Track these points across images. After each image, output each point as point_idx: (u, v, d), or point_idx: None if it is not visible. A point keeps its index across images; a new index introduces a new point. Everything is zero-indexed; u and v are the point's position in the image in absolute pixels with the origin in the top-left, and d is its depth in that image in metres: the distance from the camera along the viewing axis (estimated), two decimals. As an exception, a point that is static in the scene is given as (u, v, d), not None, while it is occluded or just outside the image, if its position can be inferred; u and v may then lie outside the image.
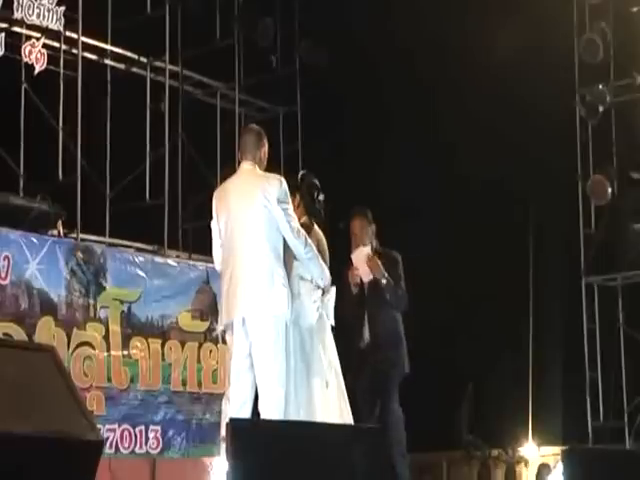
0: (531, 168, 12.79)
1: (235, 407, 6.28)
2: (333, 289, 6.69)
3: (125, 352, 9.39)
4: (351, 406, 6.73)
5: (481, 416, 12.92)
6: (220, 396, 9.84)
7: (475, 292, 12.92)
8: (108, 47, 11.39)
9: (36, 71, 10.30)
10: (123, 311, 9.44)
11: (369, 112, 13.19)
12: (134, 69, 11.77)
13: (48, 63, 10.43)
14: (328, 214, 6.96)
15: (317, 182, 6.88)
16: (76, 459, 4.20)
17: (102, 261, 9.40)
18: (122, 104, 11.33)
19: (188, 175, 11.87)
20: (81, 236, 10.16)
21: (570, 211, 12.74)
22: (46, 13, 10.39)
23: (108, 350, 9.26)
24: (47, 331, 8.83)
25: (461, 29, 12.59)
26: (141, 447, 9.35)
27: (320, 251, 6.56)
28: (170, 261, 10.26)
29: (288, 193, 6.36)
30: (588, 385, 12.34)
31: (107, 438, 8.95)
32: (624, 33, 12.31)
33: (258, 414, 6.24)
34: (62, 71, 10.66)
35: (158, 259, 10.21)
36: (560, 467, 5.79)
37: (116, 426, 9.18)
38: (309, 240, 6.41)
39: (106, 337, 9.26)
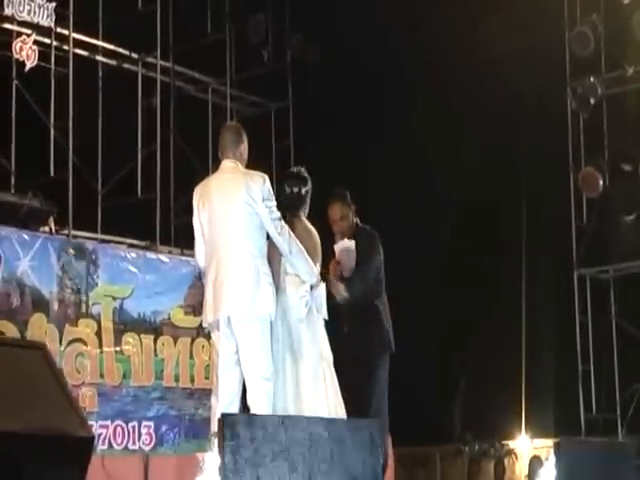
0: (523, 160, 12.82)
1: (223, 404, 6.28)
2: (323, 284, 6.67)
3: (117, 348, 9.38)
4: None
5: (474, 410, 12.96)
6: (212, 391, 9.88)
7: (468, 286, 12.95)
8: (99, 43, 11.39)
9: (27, 68, 10.29)
10: (115, 307, 9.42)
11: (360, 107, 13.20)
12: (125, 65, 11.76)
13: (39, 60, 10.42)
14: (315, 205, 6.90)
15: (300, 173, 6.80)
16: (67, 455, 4.22)
17: (94, 257, 9.38)
18: (113, 100, 11.32)
19: (180, 171, 11.87)
20: (73, 232, 10.15)
21: (562, 203, 12.77)
22: (37, 10, 10.38)
23: (100, 346, 9.24)
24: (39, 328, 8.81)
25: (452, 23, 12.61)
26: (134, 443, 9.34)
27: (309, 246, 6.54)
28: (162, 257, 10.25)
29: (271, 190, 6.33)
30: (580, 377, 12.37)
31: (100, 434, 8.94)
32: (615, 25, 12.32)
33: (247, 409, 6.26)
34: (53, 67, 10.65)
35: (150, 255, 10.20)
36: (553, 459, 5.80)
37: (109, 422, 9.17)
38: (293, 236, 6.37)
39: (98, 333, 9.25)
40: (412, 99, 12.97)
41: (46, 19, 10.49)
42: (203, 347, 10.01)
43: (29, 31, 10.38)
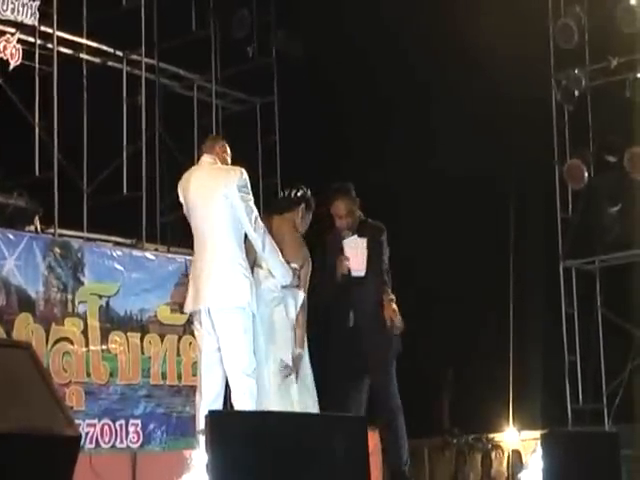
0: (508, 153, 12.84)
1: (207, 400, 6.30)
2: (301, 294, 6.60)
3: (104, 347, 9.38)
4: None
5: (461, 402, 13.00)
6: (200, 388, 9.88)
7: (454, 277, 12.97)
8: (83, 41, 11.36)
9: (11, 66, 10.26)
10: (101, 306, 9.42)
11: (346, 102, 13.21)
12: (110, 63, 11.73)
13: (23, 58, 10.40)
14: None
15: (301, 188, 6.81)
16: (54, 455, 4.21)
17: (80, 256, 9.38)
18: (98, 98, 11.31)
19: (166, 168, 11.85)
20: (58, 231, 10.14)
21: (547, 195, 12.80)
22: (20, 8, 10.36)
23: (87, 345, 9.24)
24: (25, 327, 8.81)
25: (435, 15, 12.62)
26: (122, 441, 9.35)
27: (293, 248, 6.53)
28: (148, 254, 10.26)
29: (249, 184, 6.35)
30: (567, 368, 12.41)
31: (87, 433, 8.95)
32: (599, 17, 12.34)
33: (232, 406, 6.27)
34: (37, 66, 10.62)
35: (136, 253, 10.21)
36: (540, 450, 5.82)
37: (96, 421, 9.17)
38: (267, 234, 6.37)
39: (85, 332, 9.25)
40: (396, 93, 12.98)
41: (30, 17, 10.46)
42: (190, 344, 10.01)
43: (13, 30, 10.36)
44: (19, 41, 10.38)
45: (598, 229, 12.41)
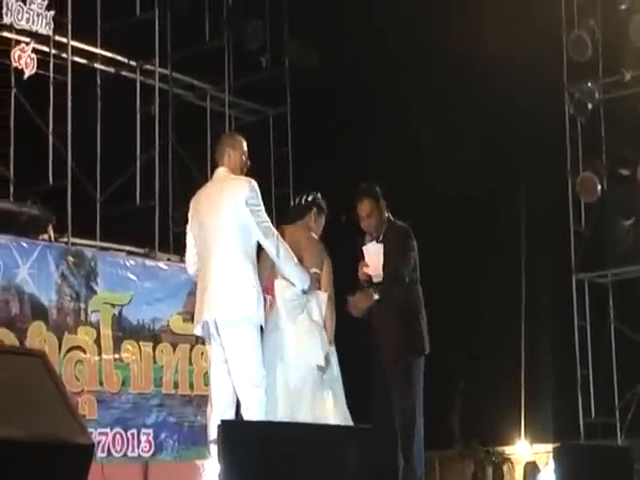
0: (521, 165, 12.84)
1: (218, 411, 6.26)
2: (323, 295, 6.59)
3: (117, 355, 9.38)
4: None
5: (473, 414, 12.96)
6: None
7: (468, 290, 12.95)
8: (98, 51, 11.39)
9: (26, 76, 10.29)
10: (114, 314, 9.43)
11: (358, 112, 13.22)
12: (124, 72, 11.76)
13: (38, 67, 10.42)
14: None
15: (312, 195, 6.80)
16: (67, 463, 4.21)
17: (93, 265, 9.39)
18: (112, 107, 11.34)
19: (179, 178, 11.87)
20: (72, 240, 10.15)
21: (560, 208, 12.78)
22: (35, 18, 10.39)
23: (99, 354, 9.24)
24: (38, 336, 8.82)
25: (450, 28, 12.63)
26: (133, 450, 9.34)
27: (310, 253, 6.52)
28: (161, 264, 10.26)
29: (258, 195, 6.27)
30: (579, 381, 12.38)
31: (99, 442, 8.95)
32: (612, 30, 12.34)
33: (241, 416, 6.25)
34: (52, 75, 10.65)
35: (149, 262, 10.21)
36: (552, 464, 5.80)
37: (108, 430, 9.17)
38: (281, 240, 6.31)
39: (97, 341, 9.25)
40: (411, 104, 12.98)
41: (44, 27, 10.50)
42: (202, 354, 9.99)
43: (27, 39, 10.39)
44: (34, 50, 10.41)
45: (611, 242, 12.39)
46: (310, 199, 6.80)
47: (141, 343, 9.58)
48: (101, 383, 9.20)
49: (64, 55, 10.80)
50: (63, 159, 10.55)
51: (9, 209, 9.60)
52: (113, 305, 9.44)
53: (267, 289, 6.55)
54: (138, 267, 9.81)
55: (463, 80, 12.85)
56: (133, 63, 11.76)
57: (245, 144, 6.59)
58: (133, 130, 11.58)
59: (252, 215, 6.23)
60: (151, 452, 9.49)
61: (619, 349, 12.42)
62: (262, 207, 6.30)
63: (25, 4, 10.29)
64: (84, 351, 9.13)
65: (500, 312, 13.12)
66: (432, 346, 7.16)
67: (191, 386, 9.93)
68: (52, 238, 9.71)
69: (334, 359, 6.64)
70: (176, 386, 9.80)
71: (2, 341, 8.41)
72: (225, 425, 4.55)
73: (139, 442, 9.40)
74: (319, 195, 6.85)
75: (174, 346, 9.87)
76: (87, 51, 11.27)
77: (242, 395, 6.23)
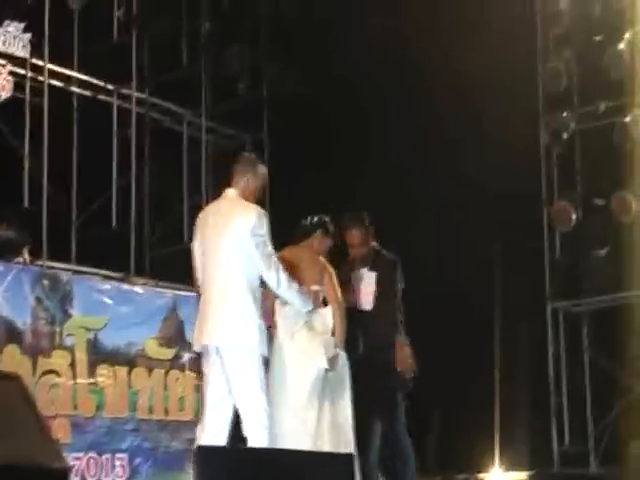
0: (495, 195, 12.88)
1: (209, 436, 6.21)
2: (326, 311, 6.58)
3: (91, 380, 9.31)
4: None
5: (446, 442, 12.96)
6: (187, 423, 9.82)
7: (441, 318, 12.96)
8: (74, 74, 11.38)
9: (2, 98, 10.26)
10: (89, 339, 9.37)
11: (338, 138, 13.25)
12: (101, 96, 11.76)
13: (14, 90, 10.40)
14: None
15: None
16: (42, 488, 4.18)
17: (68, 288, 9.34)
18: (89, 131, 11.32)
19: (155, 202, 11.86)
20: (47, 263, 10.12)
21: (535, 237, 12.83)
22: (12, 40, 10.38)
23: (74, 378, 9.18)
24: (12, 359, 8.74)
25: (425, 58, 12.69)
26: (107, 475, 9.27)
27: (312, 272, 6.51)
28: (137, 288, 10.22)
29: (264, 225, 6.23)
30: (554, 410, 12.40)
31: (73, 467, 8.86)
32: (588, 61, 12.44)
33: (240, 441, 6.18)
34: (28, 98, 10.64)
35: (125, 286, 10.17)
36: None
37: (82, 454, 9.10)
38: (282, 271, 6.29)
39: (72, 365, 9.18)
40: (391, 131, 13.03)
41: (21, 50, 10.49)
42: (177, 379, 9.97)
43: (4, 62, 10.37)
44: (10, 73, 10.39)
45: (585, 271, 12.44)
46: (316, 221, 6.83)
47: (116, 367, 9.53)
48: (75, 407, 9.13)
49: (41, 78, 10.79)
50: (39, 182, 10.52)
51: (-16, 232, 9.55)
52: (88, 329, 9.38)
53: (273, 324, 6.57)
54: (114, 291, 9.77)
55: (438, 107, 12.90)
56: (110, 87, 11.75)
57: (266, 179, 6.54)
58: (109, 154, 11.57)
59: (256, 247, 6.19)
60: (125, 477, 9.42)
61: (593, 378, 12.46)
62: (267, 238, 6.25)
63: (1, 26, 10.28)
64: (58, 375, 9.06)
65: (474, 340, 13.12)
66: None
67: (166, 411, 9.88)
68: (27, 261, 9.67)
69: (343, 362, 6.59)
70: (151, 411, 9.74)
71: (-24, 365, 8.36)
72: (201, 451, 4.55)
73: (113, 467, 9.33)
74: (327, 218, 6.87)
75: (149, 371, 9.81)
76: (64, 74, 11.26)
77: (246, 417, 6.18)
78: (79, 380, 9.20)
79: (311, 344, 6.53)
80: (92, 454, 9.17)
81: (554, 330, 12.60)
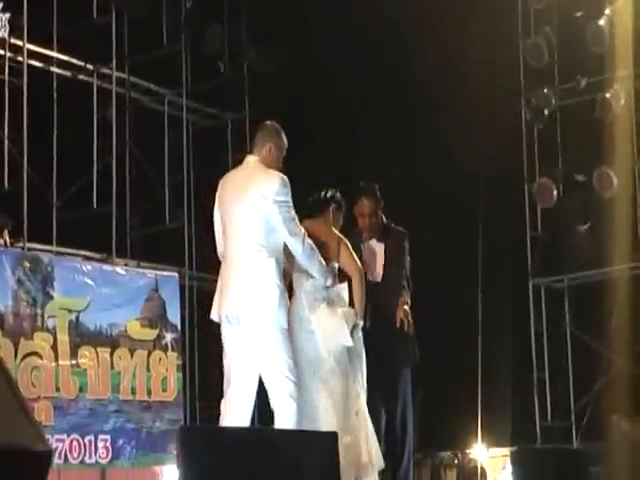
0: (477, 171, 12.88)
1: (235, 410, 6.05)
2: (342, 285, 6.48)
3: (74, 361, 9.29)
4: None
5: (431, 420, 12.99)
6: (170, 404, 9.84)
7: (422, 296, 12.97)
8: (54, 54, 11.32)
9: (-20, 79, 10.22)
10: (71, 320, 9.34)
11: (317, 118, 13.22)
12: (81, 76, 11.69)
13: (-7, 71, 10.35)
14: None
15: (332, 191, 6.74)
16: (25, 470, 4.16)
17: (49, 270, 9.30)
18: (69, 111, 11.26)
19: (136, 182, 11.82)
20: (28, 245, 10.09)
21: (517, 214, 12.85)
22: (-10, 20, 10.32)
23: (56, 360, 9.15)
24: (-7, 342, 8.73)
25: (407, 35, 12.66)
26: (90, 457, 9.25)
27: (329, 247, 6.39)
28: (118, 269, 10.19)
29: (289, 192, 6.09)
30: (536, 386, 12.46)
31: (56, 448, 8.84)
32: (568, 37, 12.43)
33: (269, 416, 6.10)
34: (7, 79, 10.57)
35: (106, 267, 10.14)
36: (509, 467, 5.84)
37: (65, 436, 9.08)
38: (306, 238, 6.16)
39: (54, 347, 9.15)
40: (373, 108, 13.01)
41: (0, 30, 10.42)
42: (160, 360, 9.96)
43: (-18, 42, 10.32)
44: (-12, 53, 10.34)
45: (567, 247, 12.48)
46: (330, 195, 6.72)
47: (98, 349, 9.50)
48: (58, 389, 9.11)
49: (20, 58, 10.72)
50: (19, 163, 10.47)
51: (-36, 214, 9.51)
52: (70, 311, 9.35)
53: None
54: (95, 272, 9.73)
55: (419, 83, 12.88)
56: (90, 67, 11.69)
57: (279, 136, 6.36)
58: (90, 134, 11.52)
59: (279, 212, 6.06)
60: (108, 458, 9.41)
61: (575, 354, 12.51)
62: (290, 204, 6.12)
63: (-20, 7, 10.22)
64: (40, 357, 9.03)
65: (456, 317, 13.16)
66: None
67: (149, 392, 9.86)
68: (8, 243, 9.63)
69: (359, 335, 6.53)
70: (134, 392, 9.72)
71: (-43, 347, 8.33)
72: (184, 431, 4.54)
73: (96, 448, 9.32)
74: (338, 192, 6.76)
75: (132, 352, 9.79)
76: (43, 54, 11.20)
77: (273, 388, 6.03)
78: (61, 362, 9.18)
79: (333, 318, 6.41)
80: (75, 436, 9.15)
81: (536, 306, 12.64)
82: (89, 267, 9.81)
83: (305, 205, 6.50)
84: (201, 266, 11.83)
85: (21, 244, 10.01)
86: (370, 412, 6.56)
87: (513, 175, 12.88)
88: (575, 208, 12.44)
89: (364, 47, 12.81)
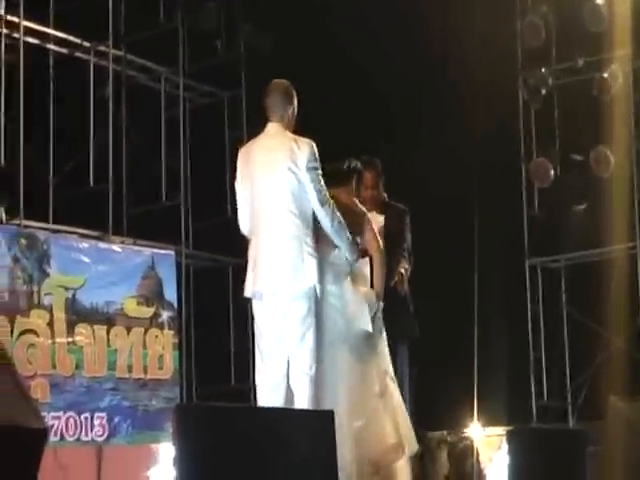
0: (474, 150, 12.86)
1: (269, 386, 6.03)
2: (364, 260, 6.35)
3: (70, 339, 9.31)
4: None
5: (426, 399, 13.01)
6: (166, 382, 9.86)
7: (419, 275, 12.98)
8: (51, 31, 11.27)
9: (-24, 56, 10.17)
10: (68, 298, 9.35)
11: (314, 96, 13.17)
12: (77, 53, 11.65)
13: (-12, 48, 10.31)
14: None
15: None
16: (21, 448, 4.17)
17: (46, 247, 9.30)
18: (65, 89, 11.23)
19: (132, 160, 11.80)
20: (24, 222, 10.06)
21: (513, 193, 12.84)
22: (-15, -3, 10.28)
23: (53, 337, 9.17)
24: (-11, 319, 8.74)
25: (403, 12, 12.62)
26: (87, 434, 9.29)
27: (352, 221, 6.25)
28: (115, 247, 10.20)
29: (318, 159, 6.00)
30: (532, 365, 12.48)
31: (52, 426, 8.88)
32: (566, 16, 12.40)
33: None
34: (3, 56, 10.53)
35: (103, 245, 10.15)
36: (505, 447, 5.86)
37: (61, 414, 9.11)
38: (336, 209, 6.06)
39: (50, 324, 9.18)
40: (365, 89, 12.98)
41: (-5, 6, 10.39)
42: (156, 337, 9.98)
43: (-22, 19, 10.28)
44: (-15, 30, 10.29)
45: (564, 227, 12.49)
46: (353, 165, 6.60)
47: (95, 326, 9.52)
48: (54, 367, 9.13)
49: (16, 35, 10.67)
50: (15, 141, 10.44)
51: (-40, 192, 9.50)
52: (66, 288, 9.36)
53: None
54: (92, 250, 9.74)
55: (416, 65, 12.84)
56: (87, 44, 11.65)
57: (295, 97, 6.26)
58: (86, 112, 11.48)
59: (312, 181, 5.96)
60: (105, 436, 9.45)
61: (571, 333, 12.53)
62: (320, 172, 6.01)
63: (-26, -17, 10.18)
64: (37, 334, 9.05)
65: (452, 296, 13.16)
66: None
67: (145, 370, 9.88)
68: (4, 220, 9.62)
69: (379, 315, 6.45)
70: (130, 370, 9.75)
71: (-47, 325, 8.34)
72: (179, 409, 4.54)
73: (92, 426, 9.35)
74: (359, 163, 6.67)
75: (128, 329, 9.81)
76: (40, 31, 11.15)
77: (296, 364, 5.96)
78: (58, 339, 9.19)
79: (356, 298, 6.33)
80: (71, 413, 9.18)
81: (532, 286, 12.65)
82: (85, 245, 9.81)
83: (323, 174, 6.24)
84: (198, 244, 11.83)
85: (17, 221, 9.99)
86: None
87: (510, 155, 12.86)
88: (571, 188, 12.44)
89: (362, 26, 12.76)
